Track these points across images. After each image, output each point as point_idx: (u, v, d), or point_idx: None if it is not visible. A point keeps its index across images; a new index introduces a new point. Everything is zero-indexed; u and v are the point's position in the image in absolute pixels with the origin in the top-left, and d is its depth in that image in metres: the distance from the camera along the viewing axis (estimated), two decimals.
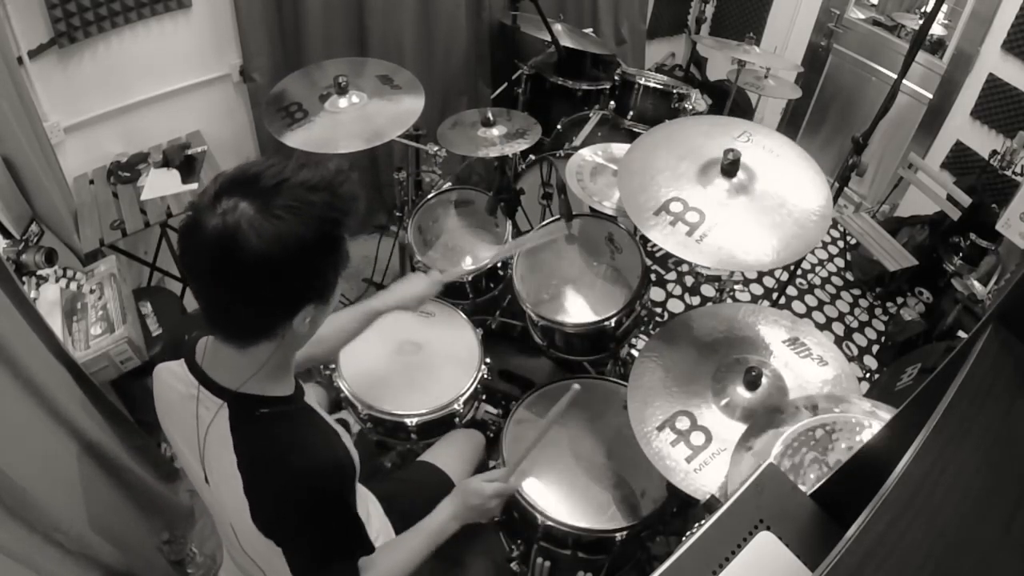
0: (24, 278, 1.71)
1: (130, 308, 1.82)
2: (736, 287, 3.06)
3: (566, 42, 2.66)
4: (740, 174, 1.46)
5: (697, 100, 2.62)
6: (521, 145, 2.04)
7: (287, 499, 0.89)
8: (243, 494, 0.88)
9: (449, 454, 1.57)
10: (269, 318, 0.86)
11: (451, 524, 1.19)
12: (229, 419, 0.89)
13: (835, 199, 2.20)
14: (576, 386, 1.24)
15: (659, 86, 2.49)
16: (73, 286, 1.82)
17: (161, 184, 2.21)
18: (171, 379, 0.97)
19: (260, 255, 0.77)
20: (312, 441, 0.93)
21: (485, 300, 2.04)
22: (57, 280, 1.80)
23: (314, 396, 1.22)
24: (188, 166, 2.27)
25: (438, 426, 1.65)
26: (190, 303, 2.48)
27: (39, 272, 1.75)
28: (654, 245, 1.38)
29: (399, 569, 1.09)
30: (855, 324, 3.06)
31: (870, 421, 1.13)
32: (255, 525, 0.89)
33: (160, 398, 1.01)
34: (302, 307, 0.85)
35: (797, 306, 3.10)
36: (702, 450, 1.34)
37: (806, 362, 1.49)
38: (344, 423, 1.71)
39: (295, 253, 0.79)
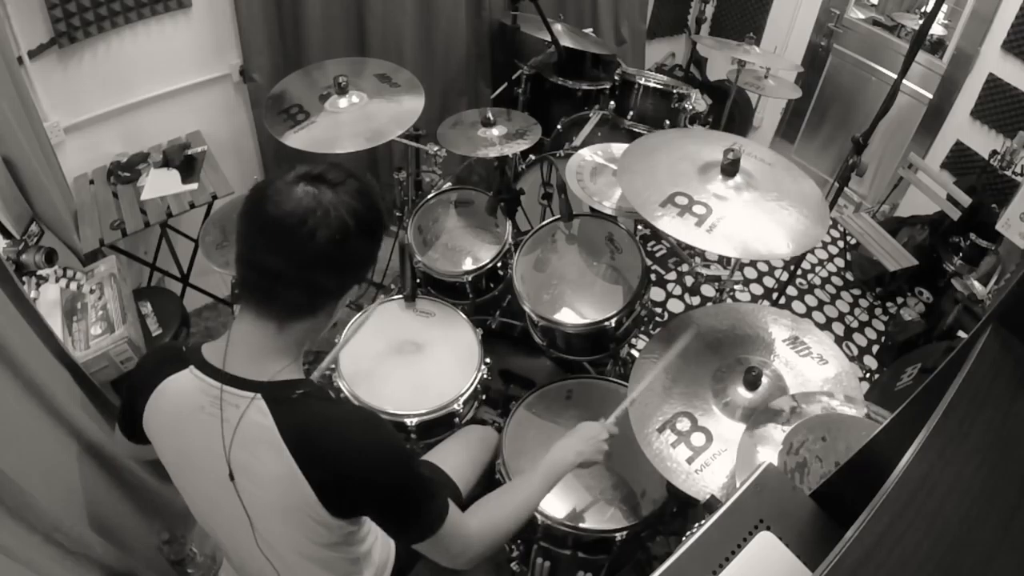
0: (24, 278, 1.71)
1: (130, 308, 1.82)
2: (736, 287, 3.06)
3: (566, 42, 2.66)
4: (739, 177, 1.46)
5: (697, 100, 2.63)
6: (521, 145, 2.03)
7: (352, 463, 0.91)
8: (302, 477, 0.88)
9: (457, 453, 1.53)
10: (323, 296, 0.92)
11: (570, 455, 1.23)
12: (269, 410, 0.89)
13: (835, 199, 2.20)
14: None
15: (659, 86, 2.49)
16: (73, 286, 1.82)
17: (161, 184, 2.21)
18: (179, 393, 0.95)
19: (341, 226, 0.86)
20: (347, 405, 1.02)
21: (485, 300, 2.04)
22: (57, 280, 1.80)
23: None
24: (188, 166, 2.27)
25: (438, 426, 1.65)
26: (190, 303, 2.48)
27: (39, 272, 1.75)
28: (654, 245, 1.38)
29: (514, 507, 1.11)
30: (855, 324, 3.06)
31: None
32: (327, 511, 0.90)
33: (164, 413, 0.97)
34: (351, 287, 0.93)
35: (797, 306, 3.10)
36: (703, 451, 1.33)
37: (806, 361, 1.49)
38: None
39: (363, 231, 0.89)
